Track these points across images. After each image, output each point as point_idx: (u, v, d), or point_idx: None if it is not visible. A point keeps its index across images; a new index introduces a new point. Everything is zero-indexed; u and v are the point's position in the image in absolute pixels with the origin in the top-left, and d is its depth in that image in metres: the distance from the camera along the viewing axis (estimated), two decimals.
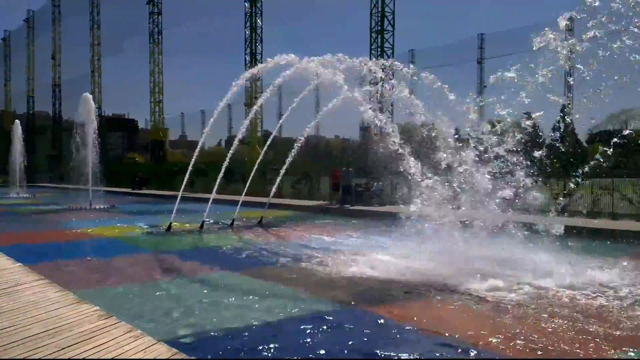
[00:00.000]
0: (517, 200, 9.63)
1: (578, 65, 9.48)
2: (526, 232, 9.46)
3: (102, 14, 51.82)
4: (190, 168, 15.80)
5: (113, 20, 53.54)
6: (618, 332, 5.64)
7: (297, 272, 8.99)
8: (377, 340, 5.45)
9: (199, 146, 17.39)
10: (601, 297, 7.08)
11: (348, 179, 22.51)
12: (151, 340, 4.45)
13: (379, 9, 24.80)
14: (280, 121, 21.34)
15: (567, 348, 5.16)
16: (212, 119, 16.61)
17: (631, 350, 5.13)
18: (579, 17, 9.32)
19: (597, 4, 8.72)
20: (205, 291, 7.68)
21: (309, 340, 5.45)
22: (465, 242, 9.60)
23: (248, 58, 32.14)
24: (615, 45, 8.62)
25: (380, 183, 21.82)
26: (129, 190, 36.94)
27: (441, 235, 9.70)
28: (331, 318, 6.20)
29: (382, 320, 6.17)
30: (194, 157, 15.97)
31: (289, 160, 16.65)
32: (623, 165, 19.40)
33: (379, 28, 24.83)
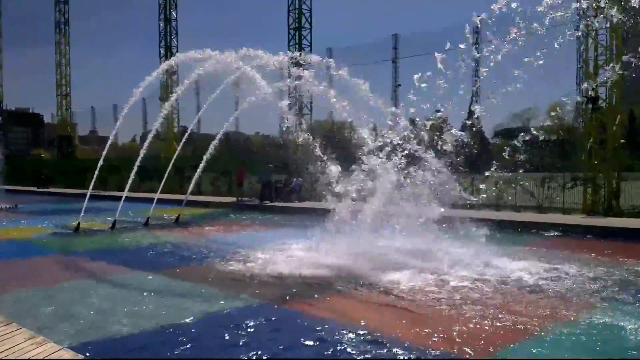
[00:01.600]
0: (431, 195, 10.08)
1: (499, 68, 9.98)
2: (441, 225, 9.92)
3: (2, 3, 48.00)
4: (100, 164, 15.06)
5: (16, 9, 49.76)
6: (514, 316, 6.04)
7: (214, 271, 8.85)
8: (293, 335, 5.49)
9: (109, 142, 16.65)
10: (504, 284, 7.56)
11: (268, 176, 22.46)
12: (55, 346, 4.22)
13: (296, 6, 24.90)
14: (198, 116, 20.91)
15: (474, 332, 5.46)
16: (123, 114, 15.93)
17: (534, 331, 5.50)
18: (488, 21, 9.84)
19: (504, 8, 9.25)
20: (115, 293, 7.37)
21: (225, 339, 5.39)
22: (381, 236, 9.91)
23: (163, 51, 31.16)
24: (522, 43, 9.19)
25: (300, 179, 21.95)
26: (33, 188, 34.65)
27: (359, 230, 9.94)
28: (248, 316, 6.16)
29: (299, 316, 6.22)
30: (104, 153, 15.26)
31: (207, 156, 16.35)
32: (526, 161, 20.79)
33: (297, 25, 24.92)
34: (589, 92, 16.73)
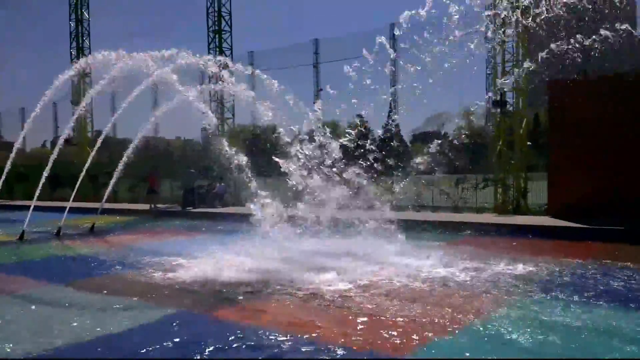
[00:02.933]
0: (354, 198, 10.32)
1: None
2: (364, 227, 10.13)
3: None
4: (6, 172, 14.04)
5: None
6: (432, 311, 6.28)
7: (132, 281, 8.50)
8: (219, 342, 5.38)
9: (15, 148, 15.56)
10: (423, 280, 7.82)
11: (190, 181, 21.94)
12: None
13: (216, 8, 24.55)
14: (112, 120, 20.00)
15: (396, 330, 5.60)
16: (31, 118, 14.95)
17: (452, 329, 5.73)
18: (404, 26, 10.19)
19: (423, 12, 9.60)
20: (24, 308, 6.90)
21: (147, 351, 5.19)
22: (307, 238, 9.97)
23: (74, 52, 29.62)
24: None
25: (224, 184, 21.62)
26: None
27: (285, 233, 9.95)
28: (170, 325, 5.97)
29: (223, 322, 6.11)
30: (10, 160, 14.25)
31: (123, 162, 15.69)
32: (443, 163, 21.69)
33: (217, 27, 24.57)
34: (497, 97, 17.76)
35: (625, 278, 7.86)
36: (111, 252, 11.70)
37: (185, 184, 22.00)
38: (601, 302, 6.46)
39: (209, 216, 18.28)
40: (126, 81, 13.33)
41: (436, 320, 5.90)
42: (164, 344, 5.30)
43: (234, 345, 5.24)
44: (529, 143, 17.99)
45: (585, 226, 12.28)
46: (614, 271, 8.34)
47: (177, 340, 5.45)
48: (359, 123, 11.87)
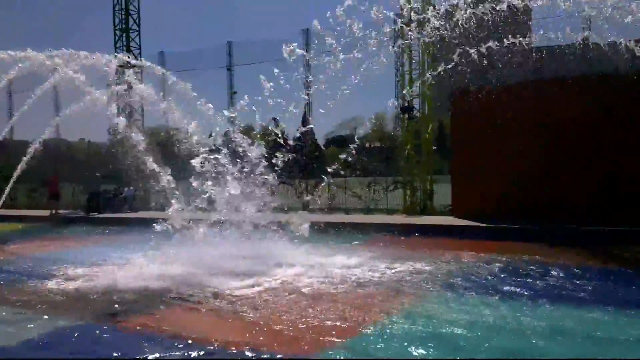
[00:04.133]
0: (268, 201, 10.37)
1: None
2: (277, 230, 10.19)
3: None
4: None
5: None
6: (344, 312, 6.47)
7: (30, 291, 7.96)
8: (122, 351, 5.23)
9: None
10: (335, 281, 8.01)
11: (95, 185, 20.93)
12: None
13: (122, 6, 23.64)
14: (11, 123, 18.69)
15: (308, 330, 5.72)
16: None
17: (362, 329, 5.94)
18: (321, 33, 10.42)
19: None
20: None
21: None
22: (219, 243, 9.86)
23: None
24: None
25: (132, 188, 20.82)
26: None
27: (196, 238, 9.79)
28: (74, 337, 5.71)
29: (119, 331, 5.91)
30: None
31: (21, 166, 14.71)
32: (353, 166, 22.30)
33: (124, 26, 23.65)
34: (405, 103, 18.57)
35: (516, 271, 8.51)
36: (7, 260, 10.92)
37: (90, 189, 20.97)
38: (497, 296, 6.97)
39: (116, 222, 17.54)
40: (24, 82, 12.54)
41: (338, 323, 5.96)
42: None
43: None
44: (434, 147, 18.94)
45: (484, 225, 13.14)
46: (509, 265, 9.01)
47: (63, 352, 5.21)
48: (273, 127, 11.92)
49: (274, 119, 12.81)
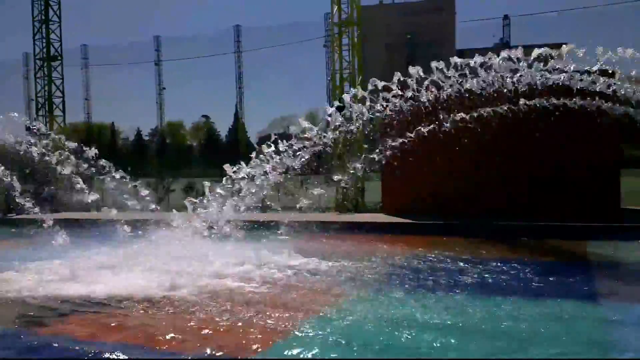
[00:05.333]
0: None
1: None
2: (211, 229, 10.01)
3: None
4: None
5: None
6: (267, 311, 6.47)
7: None
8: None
9: None
10: (259, 281, 7.91)
11: (10, 186, 19.66)
12: None
13: None
14: None
15: (238, 334, 5.67)
16: None
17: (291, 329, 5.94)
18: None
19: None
20: None
21: None
22: (144, 243, 9.61)
23: None
24: None
25: (52, 188, 19.74)
26: None
27: (121, 238, 9.50)
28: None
29: (45, 339, 5.63)
30: None
31: None
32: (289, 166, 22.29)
33: (43, 17, 22.40)
34: (336, 103, 18.74)
35: (437, 264, 8.85)
36: None
37: (6, 188, 19.67)
38: (422, 290, 7.21)
39: (35, 223, 16.55)
40: None
41: (284, 323, 5.95)
42: None
43: None
44: (365, 146, 19.27)
45: (411, 221, 13.54)
46: (435, 258, 9.35)
47: None
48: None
49: (205, 115, 12.54)
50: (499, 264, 8.81)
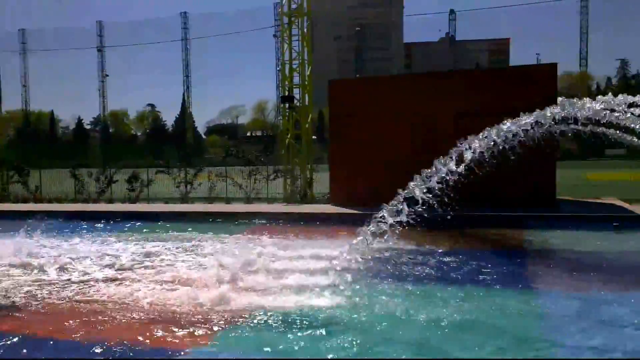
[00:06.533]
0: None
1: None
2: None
3: None
4: None
5: None
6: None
7: None
8: None
9: None
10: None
11: None
12: None
13: None
14: None
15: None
16: None
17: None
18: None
19: None
20: None
21: None
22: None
23: None
24: None
25: None
26: None
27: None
28: None
29: None
30: None
31: None
32: (234, 155, 22.11)
33: None
34: (285, 93, 18.73)
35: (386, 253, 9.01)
36: None
37: None
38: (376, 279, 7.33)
39: None
40: None
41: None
42: None
43: None
44: (314, 137, 19.35)
45: (358, 212, 13.68)
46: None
47: None
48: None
49: (150, 104, 12.23)
50: (438, 252, 9.08)
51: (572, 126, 8.38)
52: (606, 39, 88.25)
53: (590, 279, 7.27)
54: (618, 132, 9.28)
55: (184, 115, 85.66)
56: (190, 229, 11.96)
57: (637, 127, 8.24)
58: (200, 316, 5.81)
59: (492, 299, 6.35)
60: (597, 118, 8.01)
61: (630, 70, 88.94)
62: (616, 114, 7.91)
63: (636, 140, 10.21)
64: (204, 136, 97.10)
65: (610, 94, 8.41)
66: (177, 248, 9.78)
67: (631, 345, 4.86)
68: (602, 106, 7.93)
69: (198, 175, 19.81)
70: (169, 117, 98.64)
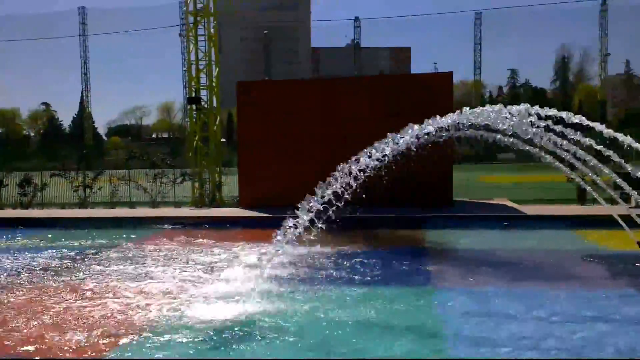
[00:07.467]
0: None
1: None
2: None
3: None
4: None
5: None
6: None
7: None
8: None
9: None
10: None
11: None
12: None
13: None
14: None
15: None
16: None
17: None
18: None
19: None
20: None
21: None
22: None
23: None
24: None
25: None
26: None
27: None
28: None
29: None
30: None
31: None
32: (138, 157, 21.28)
33: None
34: (192, 94, 18.36)
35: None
36: None
37: None
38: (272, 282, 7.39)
39: None
40: None
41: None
42: None
43: None
44: (223, 139, 19.11)
45: (267, 215, 13.71)
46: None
47: None
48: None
49: (45, 103, 11.51)
50: (351, 253, 9.34)
51: (470, 132, 8.93)
52: (498, 49, 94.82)
53: (484, 275, 7.83)
54: (511, 139, 10.01)
55: (83, 115, 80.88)
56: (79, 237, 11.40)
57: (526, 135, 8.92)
58: None
59: (394, 297, 6.66)
60: (492, 125, 8.58)
61: (519, 79, 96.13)
62: (507, 122, 8.50)
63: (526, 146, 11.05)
64: (105, 137, 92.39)
65: (499, 104, 9.06)
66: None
67: (523, 335, 5.21)
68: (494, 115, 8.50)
69: (98, 179, 18.85)
70: (66, 117, 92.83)
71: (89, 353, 4.93)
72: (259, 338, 5.22)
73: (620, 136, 7.34)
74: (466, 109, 7.90)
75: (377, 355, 4.83)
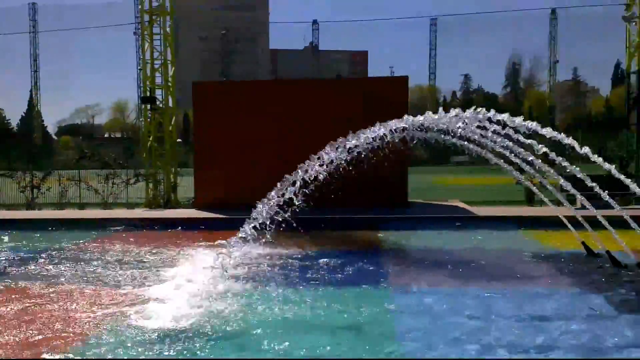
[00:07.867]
0: None
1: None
2: None
3: None
4: None
5: None
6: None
7: None
8: None
9: None
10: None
11: None
12: None
13: None
14: None
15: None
16: None
17: None
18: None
19: None
20: None
21: None
22: None
23: None
24: None
25: None
26: None
27: None
28: None
29: None
30: None
31: None
32: (89, 157, 20.68)
33: None
34: (147, 93, 18.00)
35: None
36: None
37: None
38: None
39: None
40: None
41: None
42: None
43: None
44: (178, 140, 18.81)
45: (223, 216, 13.59)
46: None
47: None
48: None
49: None
50: (306, 255, 9.35)
51: (429, 134, 9.11)
52: (453, 55, 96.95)
53: (437, 274, 7.98)
54: (465, 142, 10.23)
55: (31, 114, 77.91)
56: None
57: (476, 137, 9.16)
58: None
59: (350, 298, 6.71)
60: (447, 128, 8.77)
61: (472, 84, 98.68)
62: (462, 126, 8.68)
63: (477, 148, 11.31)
64: (54, 137, 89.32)
65: (452, 108, 9.27)
66: None
67: (476, 334, 5.33)
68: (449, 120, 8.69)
69: (47, 179, 18.21)
70: (14, 116, 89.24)
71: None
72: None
73: (566, 139, 7.60)
74: (429, 113, 8.05)
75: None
